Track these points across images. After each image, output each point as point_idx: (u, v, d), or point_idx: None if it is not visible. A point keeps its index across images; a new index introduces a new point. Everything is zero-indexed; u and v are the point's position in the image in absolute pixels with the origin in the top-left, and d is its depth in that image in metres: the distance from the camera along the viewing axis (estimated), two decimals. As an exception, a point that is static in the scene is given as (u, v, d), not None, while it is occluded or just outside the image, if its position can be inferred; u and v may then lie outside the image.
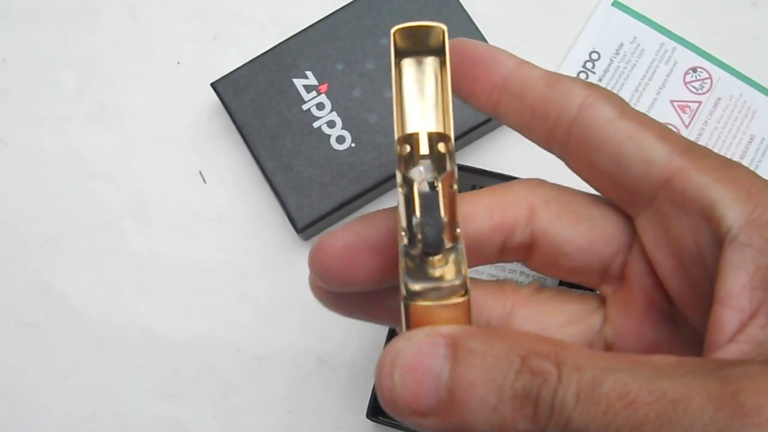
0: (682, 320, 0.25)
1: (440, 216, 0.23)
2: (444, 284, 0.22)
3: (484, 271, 0.43)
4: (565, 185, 0.27)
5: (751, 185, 0.23)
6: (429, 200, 0.23)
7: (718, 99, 0.48)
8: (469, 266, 0.26)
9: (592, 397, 0.19)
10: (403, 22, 0.24)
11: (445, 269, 0.23)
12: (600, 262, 0.26)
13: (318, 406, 0.45)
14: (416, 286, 0.22)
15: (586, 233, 0.26)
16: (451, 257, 0.23)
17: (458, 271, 0.23)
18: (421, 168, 0.23)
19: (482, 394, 0.20)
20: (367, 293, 0.26)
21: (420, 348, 0.21)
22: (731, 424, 0.18)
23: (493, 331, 0.21)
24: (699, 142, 0.47)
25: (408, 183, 0.23)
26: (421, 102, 0.25)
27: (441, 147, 0.24)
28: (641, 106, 0.47)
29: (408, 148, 0.24)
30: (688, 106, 0.47)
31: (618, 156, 0.24)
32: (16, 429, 0.45)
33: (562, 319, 0.27)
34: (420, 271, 0.23)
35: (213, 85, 0.46)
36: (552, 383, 0.19)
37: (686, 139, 0.25)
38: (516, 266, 0.43)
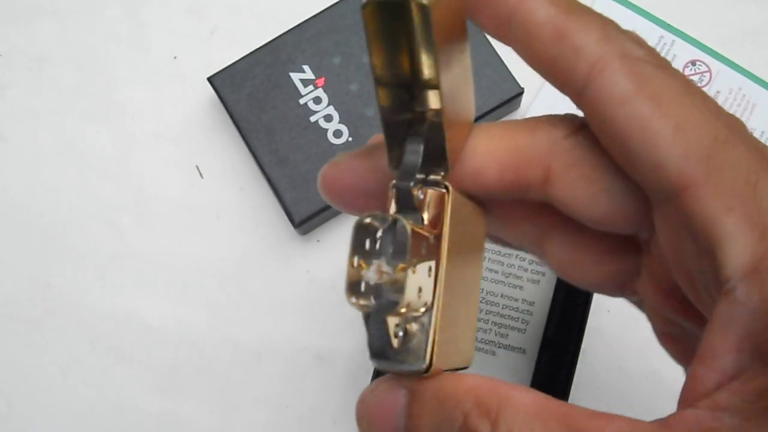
0: None
1: (387, 331, 0.20)
2: (404, 368, 0.20)
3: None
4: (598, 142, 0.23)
5: None
6: (376, 313, 0.20)
7: (718, 92, 0.47)
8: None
9: None
10: None
11: (408, 347, 0.20)
12: (623, 231, 0.24)
13: (315, 402, 0.45)
14: (378, 365, 0.21)
15: (605, 208, 0.23)
16: (417, 326, 0.20)
17: (421, 356, 0.20)
18: (377, 264, 0.20)
19: None
20: None
21: (381, 403, 0.21)
22: None
23: (448, 384, 0.20)
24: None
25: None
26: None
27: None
28: (640, 100, 0.47)
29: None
30: (687, 100, 0.47)
31: (625, 150, 0.21)
32: (15, 424, 0.45)
33: (596, 256, 0.25)
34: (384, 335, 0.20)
35: (209, 79, 0.46)
36: None
37: (714, 128, 0.20)
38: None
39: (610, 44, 0.21)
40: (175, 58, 0.49)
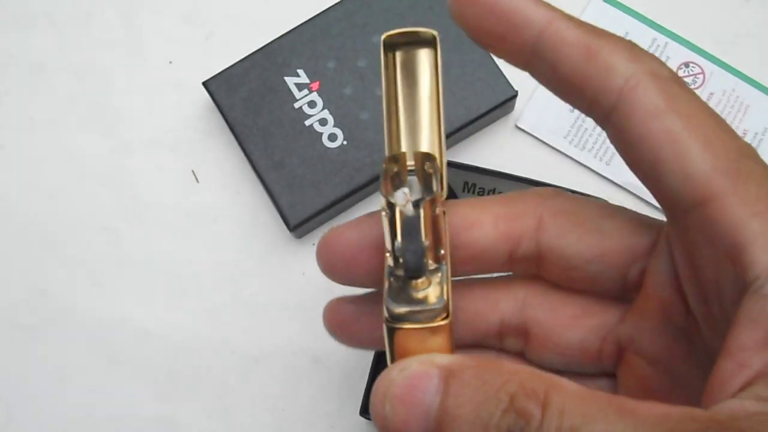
0: (698, 339, 0.24)
1: (421, 241, 0.22)
2: (426, 308, 0.22)
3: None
4: (581, 195, 0.26)
5: None
6: (410, 225, 0.22)
7: (711, 94, 0.48)
8: (477, 273, 0.27)
9: None
10: (394, 29, 0.24)
11: (428, 292, 0.23)
12: (615, 272, 0.25)
13: (312, 405, 0.45)
14: (398, 309, 0.22)
15: (595, 245, 0.25)
16: (435, 279, 0.23)
17: (440, 295, 0.23)
18: (405, 190, 0.23)
19: (469, 430, 0.20)
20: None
21: (412, 380, 0.21)
22: None
23: (488, 365, 0.21)
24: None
25: (391, 207, 0.23)
26: (413, 114, 0.25)
27: (428, 167, 0.24)
28: (634, 102, 0.47)
29: (394, 168, 0.24)
30: (681, 101, 0.47)
31: (656, 161, 0.22)
32: (13, 431, 0.45)
33: (577, 310, 0.27)
34: (403, 293, 0.23)
35: (205, 83, 0.46)
36: (533, 426, 0.19)
37: (738, 145, 0.22)
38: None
39: (639, 63, 0.22)
40: (170, 63, 0.50)
